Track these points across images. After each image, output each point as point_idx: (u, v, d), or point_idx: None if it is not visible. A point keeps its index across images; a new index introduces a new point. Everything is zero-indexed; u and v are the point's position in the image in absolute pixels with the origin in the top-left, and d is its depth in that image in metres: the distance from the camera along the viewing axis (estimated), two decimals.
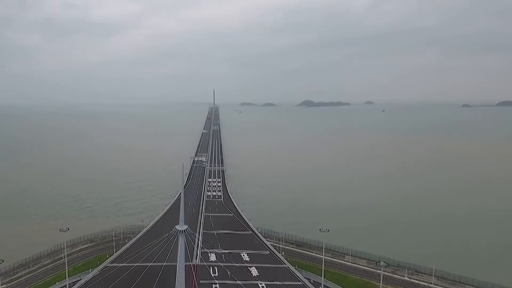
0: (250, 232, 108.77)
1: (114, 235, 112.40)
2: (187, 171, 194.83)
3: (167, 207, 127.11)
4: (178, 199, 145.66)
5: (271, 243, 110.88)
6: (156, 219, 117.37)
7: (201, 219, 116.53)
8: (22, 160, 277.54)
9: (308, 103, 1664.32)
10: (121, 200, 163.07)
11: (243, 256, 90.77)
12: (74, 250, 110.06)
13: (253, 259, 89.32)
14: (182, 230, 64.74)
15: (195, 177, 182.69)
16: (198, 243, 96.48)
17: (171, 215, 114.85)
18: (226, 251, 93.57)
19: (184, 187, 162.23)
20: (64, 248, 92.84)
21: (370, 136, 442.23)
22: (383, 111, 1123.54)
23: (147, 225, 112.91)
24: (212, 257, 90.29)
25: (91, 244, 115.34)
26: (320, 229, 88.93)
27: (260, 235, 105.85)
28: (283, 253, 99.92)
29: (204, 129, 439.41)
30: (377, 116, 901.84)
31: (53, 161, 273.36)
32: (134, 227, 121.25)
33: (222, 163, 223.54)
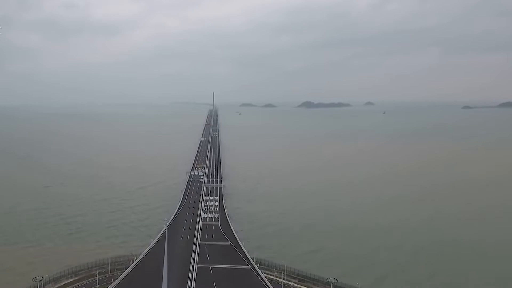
0: (249, 266, 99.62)
1: (98, 271, 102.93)
2: (183, 187, 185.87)
3: (159, 235, 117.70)
4: (173, 220, 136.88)
5: (271, 276, 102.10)
6: (146, 250, 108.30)
7: (195, 250, 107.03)
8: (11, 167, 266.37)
9: (308, 104, 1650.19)
10: (112, 223, 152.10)
11: None
12: (56, 286, 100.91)
13: None
14: None
15: (191, 195, 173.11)
16: (192, 282, 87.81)
17: (161, 246, 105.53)
18: None
19: (179, 207, 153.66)
20: None
21: (373, 141, 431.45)
22: (384, 113, 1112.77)
23: (136, 258, 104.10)
24: None
25: (76, 278, 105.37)
26: (327, 279, 79.57)
27: (259, 272, 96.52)
28: None
29: (202, 136, 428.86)
30: (379, 119, 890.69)
31: (44, 169, 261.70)
32: (123, 257, 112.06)
33: (220, 176, 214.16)
